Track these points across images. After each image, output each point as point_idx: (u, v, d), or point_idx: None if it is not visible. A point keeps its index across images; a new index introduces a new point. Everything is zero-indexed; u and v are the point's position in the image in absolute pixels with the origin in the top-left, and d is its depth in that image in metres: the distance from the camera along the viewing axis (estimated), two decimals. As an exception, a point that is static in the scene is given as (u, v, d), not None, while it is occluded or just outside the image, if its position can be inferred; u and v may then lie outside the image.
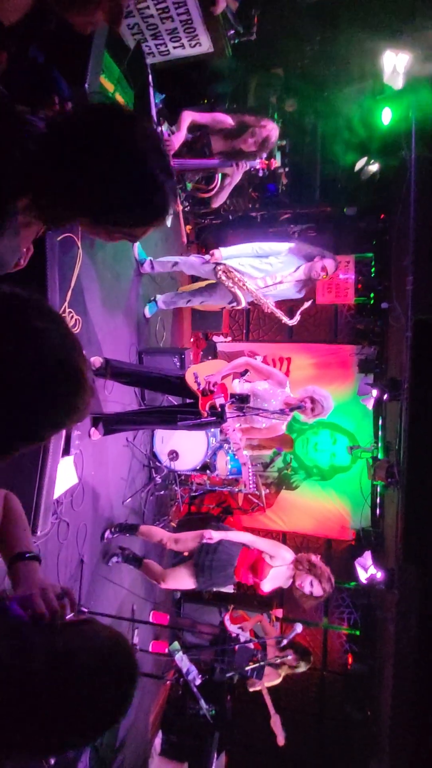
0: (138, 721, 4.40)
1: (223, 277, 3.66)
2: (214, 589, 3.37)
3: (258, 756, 5.68)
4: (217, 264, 3.64)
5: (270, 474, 5.65)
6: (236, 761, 5.65)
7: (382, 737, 3.93)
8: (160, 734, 5.19)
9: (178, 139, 2.99)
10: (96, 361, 3.27)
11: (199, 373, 3.12)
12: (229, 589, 3.55)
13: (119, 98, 3.83)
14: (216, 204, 3.47)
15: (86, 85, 1.83)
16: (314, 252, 3.78)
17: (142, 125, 0.90)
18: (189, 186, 3.38)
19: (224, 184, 3.32)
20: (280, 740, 3.57)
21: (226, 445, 4.71)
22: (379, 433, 5.16)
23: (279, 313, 3.75)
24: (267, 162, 3.43)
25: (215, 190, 3.35)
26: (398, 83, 3.55)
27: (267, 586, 3.21)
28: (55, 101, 1.50)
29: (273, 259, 3.77)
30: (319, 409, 3.14)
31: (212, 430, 4.53)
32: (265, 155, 3.34)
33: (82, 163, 0.86)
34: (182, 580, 3.35)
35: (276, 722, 3.44)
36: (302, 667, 3.44)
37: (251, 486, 4.75)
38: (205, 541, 3.26)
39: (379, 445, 5.10)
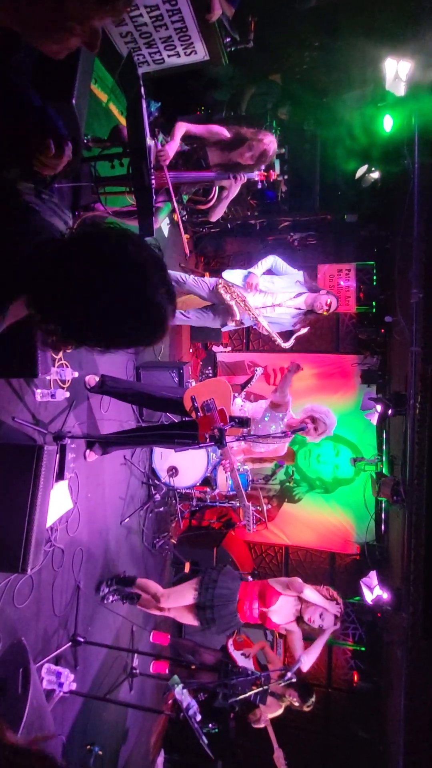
0: (139, 744, 4.29)
1: (222, 291, 3.58)
2: (221, 634, 3.25)
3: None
4: (218, 280, 3.58)
5: (272, 487, 5.54)
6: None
7: (392, 758, 3.81)
8: (162, 754, 5.08)
9: (172, 148, 2.89)
10: (91, 380, 3.17)
11: (198, 396, 3.01)
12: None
13: (113, 108, 3.74)
14: (214, 218, 3.38)
15: (73, 101, 1.74)
16: (321, 288, 3.76)
17: (134, 245, 0.87)
18: (186, 198, 3.28)
19: (221, 197, 3.23)
20: None
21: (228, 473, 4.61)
22: (383, 446, 5.05)
23: (275, 335, 3.71)
24: (266, 174, 3.33)
25: (212, 202, 3.25)
26: (400, 90, 3.46)
27: (276, 617, 3.11)
28: (50, 146, 1.32)
29: (277, 279, 3.70)
30: (323, 428, 3.05)
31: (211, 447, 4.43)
32: (263, 167, 3.24)
33: (87, 281, 0.84)
34: (184, 613, 3.26)
35: (279, 757, 3.33)
36: (304, 708, 3.36)
37: (252, 527, 4.63)
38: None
39: (383, 459, 4.99)
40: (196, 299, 4.13)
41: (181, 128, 2.91)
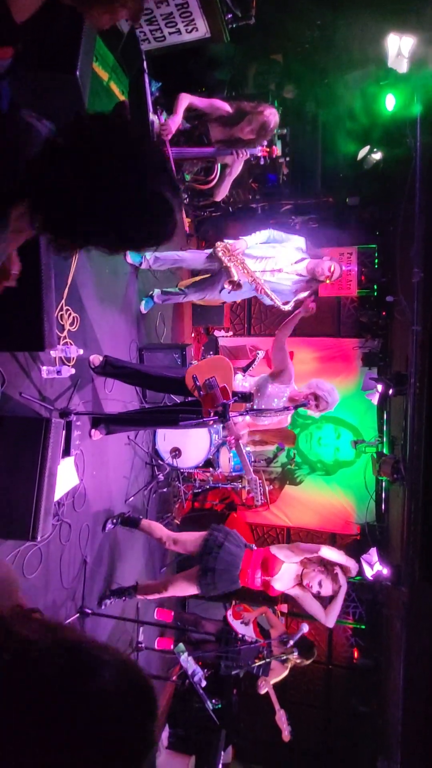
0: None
1: (220, 253, 3.52)
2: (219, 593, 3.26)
3: (264, 748, 5.71)
4: (218, 243, 3.54)
5: (273, 469, 5.60)
6: (243, 754, 5.68)
7: (391, 733, 3.92)
8: (166, 728, 5.21)
9: (175, 122, 2.87)
10: (95, 359, 3.20)
11: (199, 375, 3.03)
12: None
13: (114, 87, 3.72)
14: (218, 197, 3.37)
15: (77, 73, 1.75)
16: (325, 254, 3.71)
17: (137, 136, 0.88)
18: (188, 177, 3.28)
19: (225, 175, 3.22)
20: (286, 736, 3.55)
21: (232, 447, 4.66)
22: (384, 427, 5.10)
23: (273, 297, 3.63)
24: (268, 149, 3.32)
25: (215, 181, 3.25)
26: (403, 67, 3.44)
27: (279, 584, 3.13)
28: None
29: (278, 245, 3.66)
30: (324, 405, 3.08)
31: (214, 427, 4.48)
32: (265, 143, 3.23)
33: (84, 171, 0.83)
34: (183, 587, 3.27)
35: (281, 717, 3.41)
36: (306, 662, 3.43)
37: (260, 498, 4.67)
38: (212, 535, 3.22)
39: (384, 439, 5.04)
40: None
41: (184, 100, 2.89)
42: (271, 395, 3.13)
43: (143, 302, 4.19)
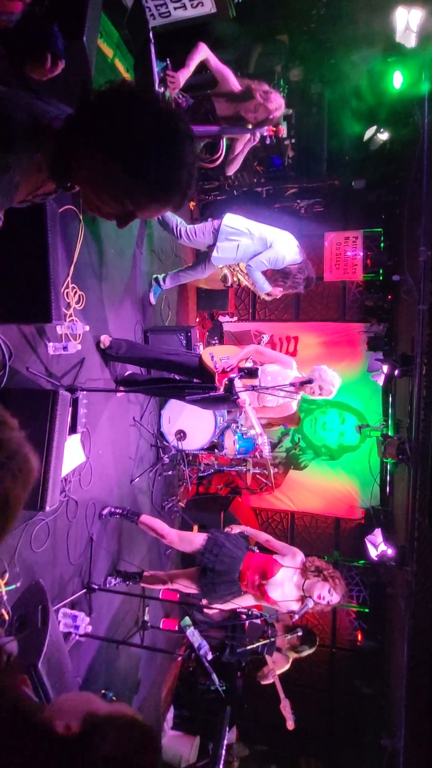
0: (150, 696, 4.46)
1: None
2: (219, 604, 3.17)
3: (268, 729, 5.78)
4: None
5: (278, 454, 5.61)
6: (246, 734, 5.76)
7: (395, 711, 3.96)
8: (171, 709, 5.28)
9: (184, 75, 2.80)
10: (105, 339, 3.21)
11: (215, 354, 3.10)
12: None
13: (118, 64, 3.69)
14: (231, 171, 3.35)
15: (84, 39, 1.73)
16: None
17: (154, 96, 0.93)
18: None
19: (235, 149, 3.20)
20: (290, 725, 3.59)
21: (233, 425, 4.67)
22: (389, 410, 5.09)
23: (249, 284, 3.68)
24: (274, 129, 3.29)
25: (221, 159, 3.23)
26: (411, 42, 3.38)
27: (275, 593, 2.99)
28: (46, 58, 1.54)
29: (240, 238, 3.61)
30: (327, 394, 3.10)
31: (221, 410, 4.49)
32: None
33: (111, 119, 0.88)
34: (185, 584, 3.24)
35: (286, 707, 3.45)
36: (307, 650, 3.43)
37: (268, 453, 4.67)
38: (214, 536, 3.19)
39: (389, 422, 5.04)
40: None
41: (202, 52, 2.81)
42: (274, 376, 3.13)
43: (152, 293, 4.19)
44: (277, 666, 3.55)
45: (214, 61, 2.96)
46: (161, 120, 0.88)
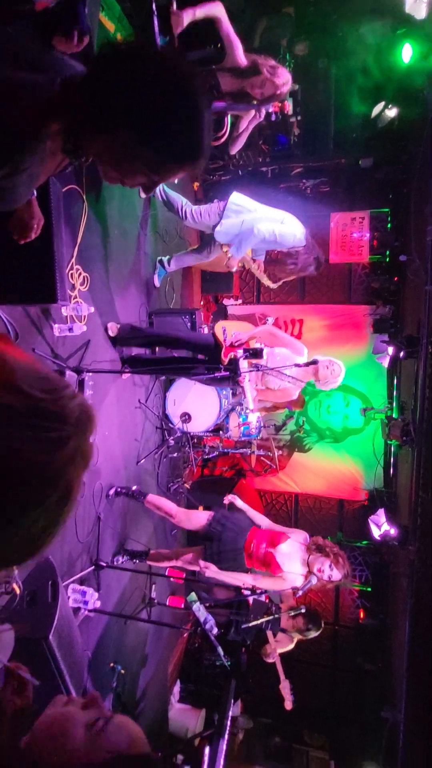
0: (157, 671, 4.59)
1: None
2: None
3: (271, 703, 5.93)
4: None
5: (282, 436, 5.65)
6: (251, 708, 5.93)
7: (396, 685, 4.06)
8: (178, 683, 5.43)
9: (188, 16, 2.68)
10: (113, 326, 3.22)
11: (228, 328, 3.11)
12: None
13: (120, 39, 3.61)
14: (235, 149, 3.29)
15: (85, 8, 1.70)
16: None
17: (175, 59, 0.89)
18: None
19: (239, 127, 3.14)
20: (288, 705, 3.67)
21: (238, 407, 4.69)
22: (394, 392, 5.08)
23: (263, 275, 3.63)
24: (280, 105, 3.23)
25: (225, 136, 3.17)
26: (421, 12, 3.27)
27: (281, 558, 3.07)
28: (74, 34, 1.63)
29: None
30: (331, 384, 3.12)
31: (224, 392, 4.50)
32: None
33: (122, 81, 0.84)
34: (192, 561, 3.31)
35: (285, 687, 3.52)
36: (313, 633, 3.50)
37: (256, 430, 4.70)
38: (226, 501, 3.24)
39: (394, 405, 5.04)
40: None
41: (216, 5, 2.69)
42: (282, 360, 3.14)
43: (156, 275, 4.17)
44: (281, 645, 3.62)
45: (227, 25, 2.85)
46: (174, 84, 0.83)
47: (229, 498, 3.26)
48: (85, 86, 0.86)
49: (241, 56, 2.92)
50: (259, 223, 3.34)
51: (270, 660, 3.62)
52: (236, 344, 2.77)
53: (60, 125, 0.90)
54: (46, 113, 0.87)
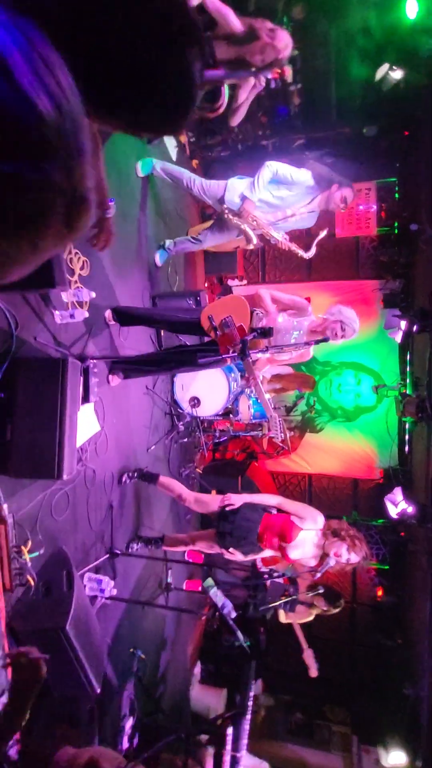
0: (177, 653, 4.63)
1: (230, 216, 3.42)
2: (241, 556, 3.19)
3: (292, 681, 6.00)
4: (223, 206, 3.41)
5: (293, 418, 5.57)
6: (271, 686, 6.00)
7: (417, 661, 4.04)
8: (198, 664, 5.50)
9: None
10: (110, 315, 3.14)
11: (215, 315, 2.96)
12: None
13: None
14: (236, 121, 3.15)
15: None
16: (333, 179, 3.44)
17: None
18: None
19: (239, 97, 3.00)
20: (313, 672, 3.68)
21: (247, 390, 4.62)
22: (407, 368, 4.96)
23: (294, 247, 3.52)
24: (279, 71, 3.06)
25: (223, 107, 3.03)
26: (427, -40, 3.06)
27: (294, 553, 2.97)
28: None
29: (285, 192, 3.46)
30: (350, 332, 2.99)
31: (233, 375, 4.42)
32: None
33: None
34: (207, 545, 3.26)
35: (309, 656, 3.53)
36: (333, 611, 3.45)
37: (280, 434, 4.64)
38: (226, 504, 3.13)
39: (407, 381, 4.93)
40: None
41: None
42: (288, 329, 3.03)
43: (157, 254, 4.07)
44: (300, 616, 3.59)
45: (211, 1, 2.72)
46: (155, 26, 0.73)
47: (225, 501, 3.13)
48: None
49: (235, 23, 2.76)
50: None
51: (284, 619, 3.56)
52: (226, 328, 2.61)
53: None
54: None
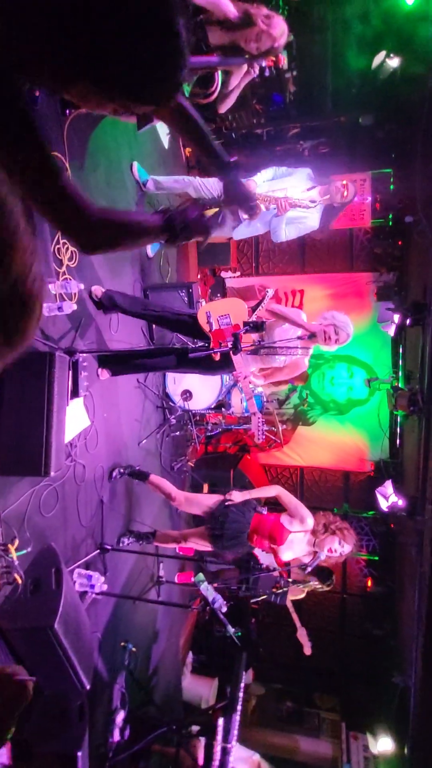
0: (169, 645, 4.65)
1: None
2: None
3: (281, 670, 6.09)
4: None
5: (286, 410, 5.56)
6: (262, 675, 6.07)
7: (406, 650, 4.10)
8: (190, 655, 5.54)
9: None
10: (97, 290, 3.06)
11: (213, 312, 2.93)
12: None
13: None
14: (224, 108, 3.06)
15: None
16: (333, 179, 3.45)
17: None
18: (187, 90, 2.96)
19: (230, 84, 2.91)
20: (307, 650, 3.71)
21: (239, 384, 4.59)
22: (399, 362, 4.96)
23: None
24: (274, 58, 2.98)
25: (216, 93, 2.94)
26: None
27: (286, 554, 3.03)
28: None
29: (287, 178, 3.42)
30: (344, 337, 2.98)
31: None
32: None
33: None
34: (199, 542, 3.27)
35: (302, 634, 3.56)
36: (325, 588, 3.47)
37: (261, 436, 4.62)
38: (226, 499, 3.15)
39: (399, 374, 4.92)
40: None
41: None
42: (282, 335, 3.00)
43: (149, 246, 3.99)
44: (292, 594, 3.60)
45: None
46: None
47: (227, 498, 3.16)
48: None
49: (229, 8, 2.67)
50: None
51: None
52: (222, 325, 2.60)
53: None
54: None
